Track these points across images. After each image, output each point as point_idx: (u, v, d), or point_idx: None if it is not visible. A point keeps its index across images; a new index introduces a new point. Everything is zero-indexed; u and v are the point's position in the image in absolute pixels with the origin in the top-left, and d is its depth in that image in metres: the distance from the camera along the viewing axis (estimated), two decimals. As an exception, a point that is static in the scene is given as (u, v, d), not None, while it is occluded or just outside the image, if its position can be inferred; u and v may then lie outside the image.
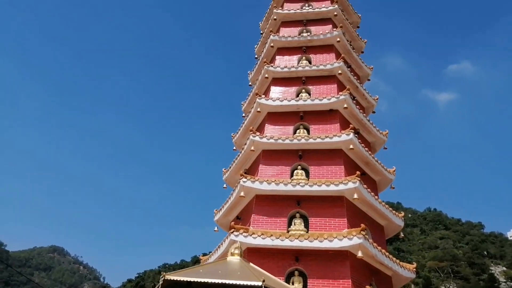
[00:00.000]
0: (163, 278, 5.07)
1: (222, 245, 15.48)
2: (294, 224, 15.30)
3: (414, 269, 16.50)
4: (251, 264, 9.10)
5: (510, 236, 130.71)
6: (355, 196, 15.06)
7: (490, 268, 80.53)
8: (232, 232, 14.50)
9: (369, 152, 17.89)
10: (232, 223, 14.92)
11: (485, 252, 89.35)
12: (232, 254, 5.60)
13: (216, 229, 19.05)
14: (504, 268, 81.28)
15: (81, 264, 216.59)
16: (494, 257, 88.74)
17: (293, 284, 13.62)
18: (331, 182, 15.41)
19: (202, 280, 4.87)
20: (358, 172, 15.50)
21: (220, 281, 4.93)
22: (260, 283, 5.04)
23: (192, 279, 4.82)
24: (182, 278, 4.86)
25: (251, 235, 14.42)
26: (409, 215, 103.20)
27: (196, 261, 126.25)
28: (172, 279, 5.07)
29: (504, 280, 74.72)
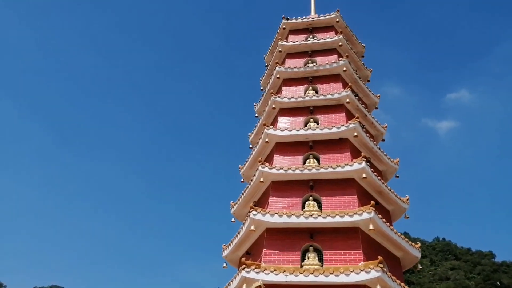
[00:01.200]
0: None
1: (233, 282, 14.75)
2: (308, 259, 14.63)
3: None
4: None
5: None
6: (371, 227, 14.46)
7: (505, 299, 77.74)
8: (243, 269, 13.84)
9: (382, 180, 17.40)
10: (243, 259, 14.26)
11: (498, 283, 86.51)
12: None
13: (224, 265, 18.31)
14: (519, 299, 78.48)
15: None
16: (507, 287, 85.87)
17: (309, 322, 12.84)
18: (345, 213, 14.85)
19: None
20: (372, 202, 14.96)
21: None
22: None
23: None
24: None
25: (263, 271, 13.74)
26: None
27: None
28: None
29: (519, 311, 71.89)
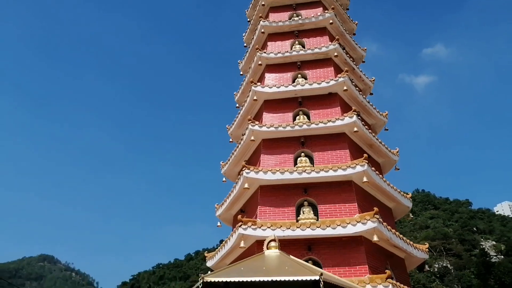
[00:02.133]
0: (202, 281, 4.33)
1: (230, 240, 14.76)
2: (303, 213, 14.67)
3: (427, 250, 16.10)
4: (292, 257, 8.40)
5: (497, 211, 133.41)
6: (364, 179, 14.51)
7: (481, 243, 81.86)
8: (240, 226, 13.80)
9: (372, 134, 17.35)
10: (239, 216, 14.18)
11: (475, 228, 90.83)
12: (269, 248, 4.93)
13: (219, 224, 18.33)
14: (494, 242, 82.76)
15: (73, 271, 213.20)
16: (483, 232, 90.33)
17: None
18: (339, 167, 14.81)
19: (251, 279, 4.18)
20: (365, 155, 14.93)
21: (271, 278, 4.26)
22: (317, 277, 4.36)
23: (239, 279, 4.13)
24: (226, 279, 4.15)
25: (259, 227, 13.74)
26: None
27: (190, 258, 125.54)
28: (214, 281, 4.34)
29: (495, 254, 75.97)
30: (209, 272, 16.77)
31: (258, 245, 13.91)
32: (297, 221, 14.42)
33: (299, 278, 4.36)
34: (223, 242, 15.62)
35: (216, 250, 16.34)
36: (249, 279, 4.22)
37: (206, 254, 17.41)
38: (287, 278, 4.30)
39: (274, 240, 5.10)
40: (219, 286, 4.88)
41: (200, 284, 4.37)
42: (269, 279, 4.20)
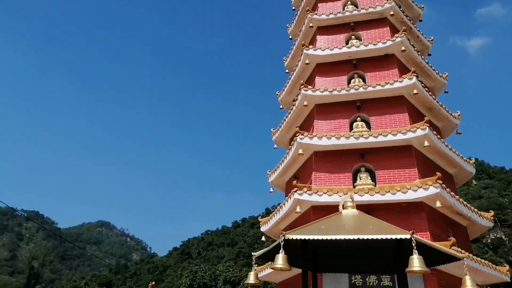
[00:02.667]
0: (283, 238, 4.15)
1: (285, 205, 14.65)
2: (360, 179, 14.22)
3: (492, 218, 15.23)
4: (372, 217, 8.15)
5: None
6: (426, 143, 13.73)
7: (539, 214, 77.50)
8: (295, 191, 13.61)
9: (433, 96, 16.34)
10: (294, 182, 13.98)
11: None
12: (346, 208, 4.69)
13: (271, 190, 18.28)
14: (553, 213, 78.10)
15: (128, 236, 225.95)
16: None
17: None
18: (398, 131, 14.11)
19: (336, 237, 3.96)
20: (426, 118, 14.10)
21: (359, 237, 4.01)
22: (408, 236, 4.08)
23: (322, 237, 3.92)
24: (308, 237, 3.97)
25: (316, 192, 13.50)
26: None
27: (236, 226, 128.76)
28: (296, 238, 4.15)
29: (554, 225, 71.77)
30: (263, 237, 16.92)
31: (314, 211, 13.75)
32: (354, 187, 14.02)
33: (390, 237, 4.06)
34: (278, 207, 15.56)
35: (271, 215, 16.34)
36: (333, 237, 3.98)
37: (260, 220, 17.48)
38: (376, 237, 4.03)
39: (351, 199, 4.82)
40: (293, 246, 4.69)
41: (281, 241, 4.17)
42: (357, 237, 3.94)
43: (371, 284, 12.27)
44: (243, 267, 72.95)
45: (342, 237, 4.09)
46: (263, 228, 17.16)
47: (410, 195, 12.68)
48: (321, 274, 12.72)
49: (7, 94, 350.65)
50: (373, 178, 14.31)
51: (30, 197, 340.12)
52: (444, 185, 12.84)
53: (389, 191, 12.87)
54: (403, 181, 13.68)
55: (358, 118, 15.55)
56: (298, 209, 13.49)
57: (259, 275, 15.85)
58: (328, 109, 16.16)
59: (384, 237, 4.07)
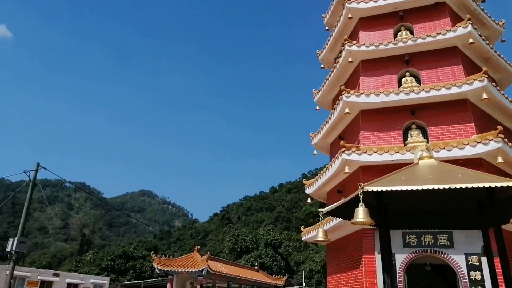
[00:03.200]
0: (362, 190, 3.79)
1: (332, 166, 14.23)
2: (411, 136, 13.51)
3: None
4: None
5: None
6: (484, 96, 12.74)
7: None
8: (343, 151, 13.13)
9: (490, 45, 15.08)
10: (342, 142, 13.45)
11: None
12: (422, 158, 4.24)
13: (315, 152, 17.85)
14: None
15: (170, 204, 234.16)
16: None
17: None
18: (452, 84, 13.16)
19: (424, 187, 3.58)
20: (484, 69, 13.02)
21: (454, 186, 3.61)
22: (510, 183, 3.62)
23: (407, 188, 3.56)
24: (391, 188, 3.60)
25: (365, 152, 12.96)
26: None
27: (274, 191, 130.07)
28: (376, 190, 3.78)
29: None
30: (309, 199, 16.67)
31: (363, 171, 13.27)
32: (405, 145, 13.35)
33: (495, 185, 3.60)
34: (324, 169, 15.17)
35: (316, 177, 16.00)
36: (422, 187, 3.57)
37: (304, 182, 17.20)
38: (473, 185, 3.59)
39: (426, 149, 4.36)
40: (365, 201, 4.31)
41: (360, 193, 3.80)
42: (453, 186, 3.51)
43: (426, 243, 11.85)
44: (282, 231, 73.95)
45: (432, 186, 3.65)
46: (308, 190, 16.89)
47: (468, 151, 11.90)
48: (373, 233, 12.39)
49: (51, 69, 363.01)
50: (425, 135, 13.56)
51: (76, 170, 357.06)
52: (506, 140, 11.95)
53: (443, 148, 12.13)
54: (458, 138, 12.87)
55: (407, 73, 14.63)
56: (346, 170, 13.05)
57: (306, 237, 15.74)
58: (374, 65, 15.29)
59: (478, 185, 3.59)
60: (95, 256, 51.00)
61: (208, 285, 34.70)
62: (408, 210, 5.43)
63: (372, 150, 12.85)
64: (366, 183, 4.14)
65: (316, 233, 5.23)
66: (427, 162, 4.44)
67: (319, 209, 5.54)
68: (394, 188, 3.70)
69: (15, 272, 20.21)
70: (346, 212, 4.63)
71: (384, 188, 3.84)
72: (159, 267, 30.58)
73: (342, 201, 4.49)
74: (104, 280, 27.57)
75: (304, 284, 56.86)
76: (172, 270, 30.36)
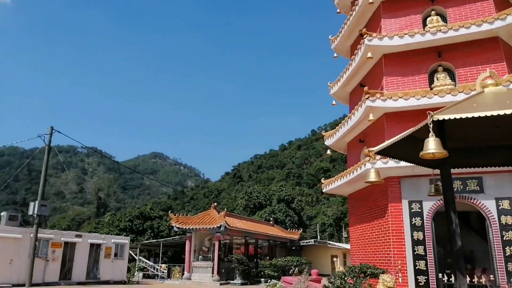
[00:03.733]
0: (431, 119, 3.28)
1: (354, 115, 13.63)
2: (438, 80, 12.77)
3: None
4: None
5: None
6: (518, 32, 11.85)
7: None
8: (367, 98, 12.49)
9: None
10: (365, 88, 12.77)
11: None
12: (486, 86, 3.71)
13: (334, 102, 17.20)
14: None
15: (181, 165, 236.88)
16: None
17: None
18: (483, 20, 12.23)
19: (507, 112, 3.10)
20: (519, 1, 12.06)
21: None
22: None
23: (489, 113, 3.07)
24: (464, 115, 3.12)
25: (390, 98, 12.31)
26: None
27: (284, 148, 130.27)
28: (447, 118, 3.27)
29: None
30: (328, 151, 16.22)
31: (387, 119, 12.69)
32: (431, 89, 12.65)
33: None
34: (346, 118, 14.59)
35: (337, 127, 15.46)
36: (502, 112, 3.06)
37: (323, 134, 16.70)
38: None
39: (491, 75, 3.81)
40: (414, 139, 3.80)
41: (430, 122, 3.29)
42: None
43: (455, 189, 11.44)
44: (294, 187, 74.52)
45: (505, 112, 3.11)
46: (327, 142, 16.42)
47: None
48: (399, 179, 12.00)
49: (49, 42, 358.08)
50: (452, 78, 12.82)
51: (87, 135, 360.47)
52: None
53: (473, 90, 11.41)
54: (489, 78, 12.10)
55: (433, 12, 13.66)
56: (370, 117, 12.45)
57: (327, 188, 15.44)
58: (396, 5, 14.29)
59: None
60: (113, 217, 52.01)
61: (225, 241, 35.27)
62: (460, 147, 4.92)
63: (397, 96, 12.19)
64: (437, 112, 3.62)
65: (368, 174, 4.77)
66: (494, 89, 3.87)
67: (368, 149, 5.09)
68: (476, 115, 3.16)
69: (38, 235, 20.49)
70: (401, 149, 4.15)
71: (452, 116, 3.31)
72: (177, 226, 30.98)
73: (402, 134, 3.98)
74: (125, 240, 28.00)
75: (318, 237, 57.84)
76: (190, 227, 30.75)
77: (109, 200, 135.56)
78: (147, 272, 36.12)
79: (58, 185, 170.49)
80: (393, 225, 11.84)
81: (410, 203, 11.78)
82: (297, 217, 61.01)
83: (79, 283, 22.45)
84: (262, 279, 32.39)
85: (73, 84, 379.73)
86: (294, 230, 46.26)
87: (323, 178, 16.41)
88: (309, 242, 47.51)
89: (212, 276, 29.53)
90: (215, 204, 36.04)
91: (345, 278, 11.45)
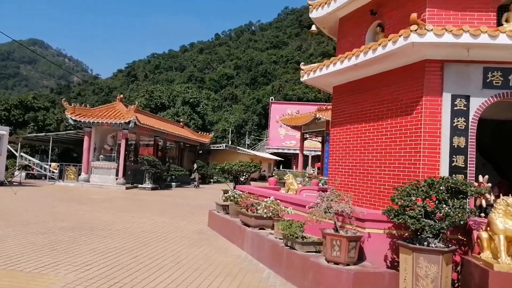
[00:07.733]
0: None
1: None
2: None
3: None
4: None
5: None
6: None
7: None
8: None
9: None
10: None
11: None
12: None
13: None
14: None
15: (66, 57, 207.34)
16: None
17: None
18: None
19: None
20: None
21: None
22: None
23: None
24: None
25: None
26: None
27: (184, 50, 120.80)
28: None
29: None
30: (313, 26, 11.49)
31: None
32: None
33: None
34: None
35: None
36: None
37: (310, 2, 11.77)
38: None
39: None
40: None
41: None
42: None
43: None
44: (200, 90, 69.14)
45: None
46: (313, 14, 11.64)
47: None
48: (442, 64, 8.15)
49: None
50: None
51: None
52: None
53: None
54: None
55: None
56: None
57: (308, 76, 11.09)
58: None
59: None
60: (-16, 105, 41.25)
61: (131, 141, 29.73)
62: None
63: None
64: None
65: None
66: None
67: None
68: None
69: None
70: None
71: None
72: (73, 118, 24.34)
73: None
74: (3, 130, 20.94)
75: (217, 142, 55.17)
76: (91, 121, 24.45)
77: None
78: (31, 172, 29.24)
79: None
80: (426, 125, 8.21)
81: (453, 97, 8.14)
82: (201, 121, 56.96)
83: None
84: (173, 184, 28.45)
85: None
86: (204, 133, 42.32)
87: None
88: (220, 146, 44.40)
89: (116, 179, 24.52)
90: (122, 95, 29.56)
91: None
